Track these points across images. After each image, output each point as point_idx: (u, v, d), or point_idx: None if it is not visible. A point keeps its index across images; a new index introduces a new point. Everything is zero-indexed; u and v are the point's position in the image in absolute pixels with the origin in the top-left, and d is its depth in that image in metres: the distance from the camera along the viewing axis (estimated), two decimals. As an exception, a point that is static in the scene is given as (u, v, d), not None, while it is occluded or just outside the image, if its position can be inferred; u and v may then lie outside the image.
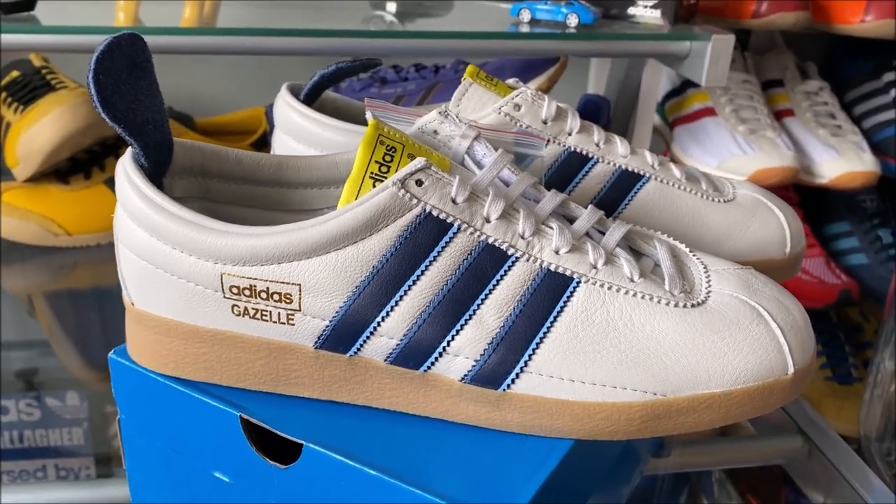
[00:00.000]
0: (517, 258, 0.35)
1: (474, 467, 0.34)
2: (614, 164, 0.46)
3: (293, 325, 0.35)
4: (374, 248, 0.34)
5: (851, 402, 0.84)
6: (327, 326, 0.35)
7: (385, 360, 0.35)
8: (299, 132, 0.47)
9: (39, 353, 0.73)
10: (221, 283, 0.35)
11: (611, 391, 0.34)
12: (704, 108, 0.91)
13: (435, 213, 0.34)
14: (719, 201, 0.47)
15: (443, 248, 0.34)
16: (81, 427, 0.59)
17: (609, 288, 0.35)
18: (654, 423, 0.35)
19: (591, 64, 0.94)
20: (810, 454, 0.56)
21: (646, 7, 0.74)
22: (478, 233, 0.34)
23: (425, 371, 0.35)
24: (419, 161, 0.34)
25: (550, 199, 0.38)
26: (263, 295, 0.35)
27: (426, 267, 0.34)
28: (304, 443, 0.35)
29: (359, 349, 0.35)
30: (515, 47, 0.66)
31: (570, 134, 0.46)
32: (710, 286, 0.37)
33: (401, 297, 0.34)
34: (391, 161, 0.35)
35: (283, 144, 0.48)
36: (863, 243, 0.99)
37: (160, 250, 0.35)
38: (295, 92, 0.48)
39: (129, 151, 0.36)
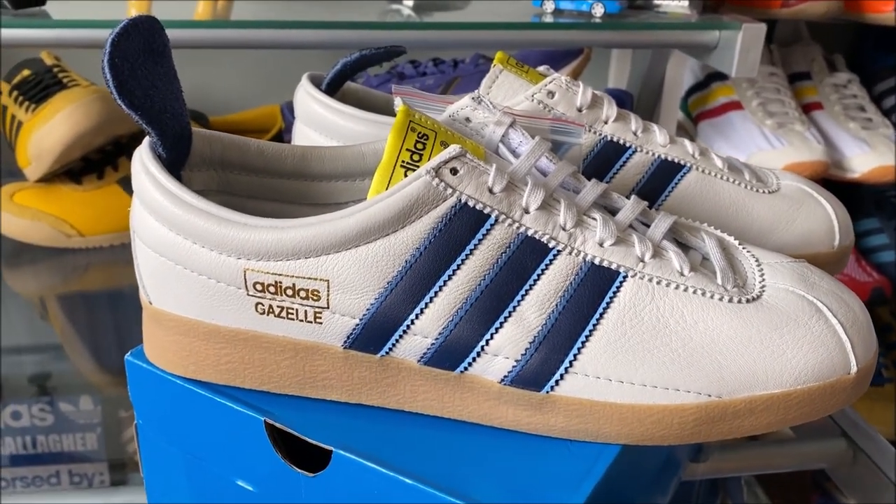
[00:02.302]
0: (559, 251, 0.33)
1: (515, 475, 0.32)
2: (653, 154, 0.44)
3: (321, 323, 0.33)
4: (407, 241, 0.32)
5: (883, 403, 0.82)
6: (357, 325, 0.33)
7: (419, 361, 0.33)
8: (321, 123, 0.45)
9: (52, 356, 0.71)
10: (244, 279, 0.33)
11: (662, 393, 0.32)
12: (730, 101, 0.89)
13: (471, 203, 0.32)
14: (763, 192, 0.44)
15: (480, 240, 0.32)
16: (95, 432, 0.58)
17: (658, 282, 0.33)
18: (709, 427, 0.32)
19: (611, 57, 0.91)
20: (855, 458, 0.54)
21: (672, -3, 0.72)
22: (517, 224, 0.32)
23: (462, 372, 0.33)
24: (454, 148, 0.32)
25: (591, 189, 0.35)
26: (289, 292, 0.33)
27: (462, 261, 0.32)
28: (333, 449, 0.32)
29: (391, 349, 0.33)
30: (539, 38, 0.64)
31: (606, 122, 0.43)
32: (763, 280, 0.34)
33: (435, 293, 0.32)
34: (423, 149, 0.33)
35: (305, 137, 0.46)
36: (892, 240, 0.97)
37: (179, 245, 0.33)
38: (316, 82, 0.46)
39: (146, 141, 0.34)
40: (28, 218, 0.77)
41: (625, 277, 0.33)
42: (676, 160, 0.44)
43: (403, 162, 0.33)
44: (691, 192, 0.43)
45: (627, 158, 0.43)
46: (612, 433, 0.32)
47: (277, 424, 0.34)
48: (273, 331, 0.34)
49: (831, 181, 0.90)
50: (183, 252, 0.33)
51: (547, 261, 0.32)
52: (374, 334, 0.33)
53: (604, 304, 0.32)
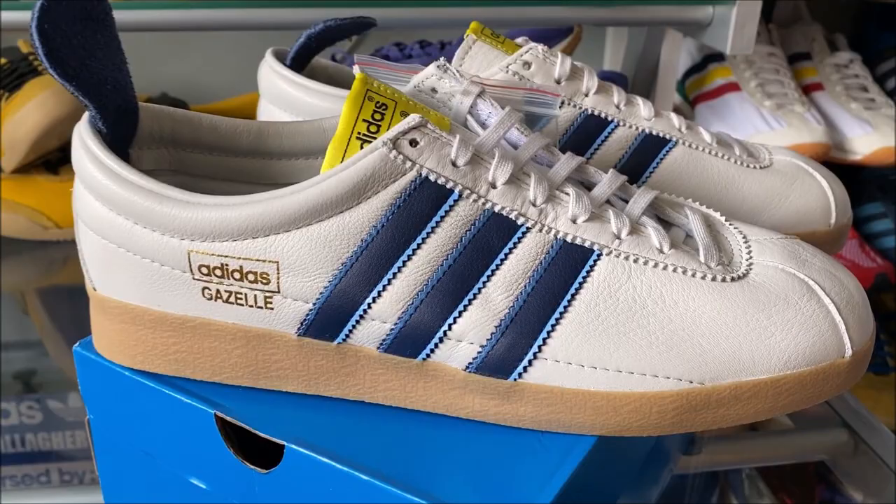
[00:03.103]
0: (528, 228, 0.30)
1: (483, 469, 0.29)
2: (637, 128, 0.41)
3: (272, 309, 0.31)
4: (363, 219, 0.29)
5: (888, 393, 0.80)
6: (311, 310, 0.30)
7: (378, 348, 0.31)
8: (286, 100, 0.43)
9: (39, 353, 0.68)
10: (189, 262, 0.30)
11: (639, 379, 0.29)
12: (727, 83, 0.86)
13: (432, 177, 0.29)
14: (755, 167, 0.42)
15: (442, 217, 0.30)
16: (84, 430, 0.56)
17: (635, 261, 0.30)
18: (691, 416, 0.30)
19: (606, 37, 0.88)
20: (856, 449, 0.51)
21: (663, -27, 0.69)
22: (482, 199, 0.30)
23: (424, 359, 0.30)
24: (413, 118, 0.30)
25: (566, 162, 0.33)
26: (237, 275, 0.30)
27: (423, 239, 0.29)
28: (286, 444, 0.30)
29: (348, 336, 0.31)
30: (527, 16, 0.62)
31: (586, 95, 0.41)
32: (751, 258, 0.32)
33: (394, 274, 0.29)
34: (381, 120, 0.31)
35: (270, 115, 0.44)
36: (897, 225, 0.95)
37: (120, 226, 0.31)
38: (281, 57, 0.43)
39: (85, 116, 0.32)
40: (4, 210, 0.75)
41: (599, 255, 0.30)
42: (661, 134, 0.41)
43: (359, 133, 0.30)
44: (677, 168, 0.41)
45: (609, 133, 0.41)
46: (587, 423, 0.30)
47: (229, 418, 0.31)
48: (222, 317, 0.31)
49: (833, 164, 0.87)
50: (124, 233, 0.31)
51: (515, 239, 0.30)
52: (330, 320, 0.30)
53: (576, 285, 0.30)
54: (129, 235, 0.31)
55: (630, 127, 0.41)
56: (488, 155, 0.31)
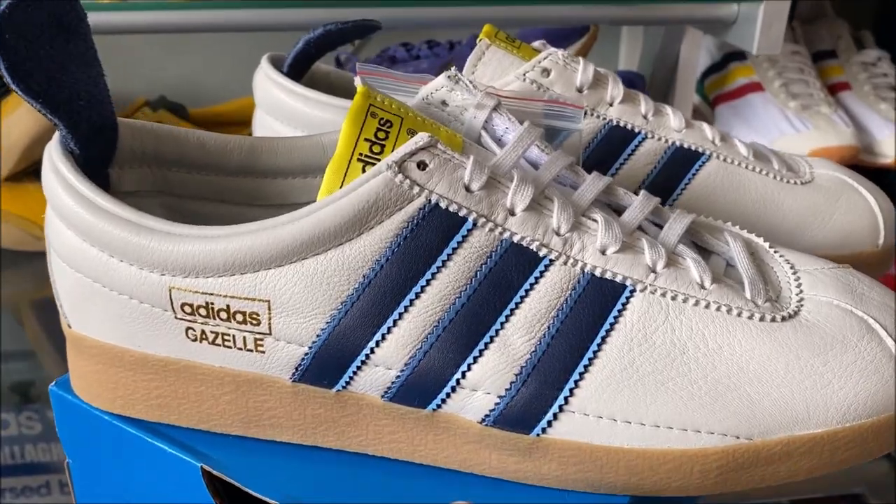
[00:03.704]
0: (552, 261, 0.27)
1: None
2: (666, 140, 0.37)
3: (263, 352, 0.27)
4: (365, 252, 0.26)
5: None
6: (306, 354, 0.27)
7: (383, 397, 0.27)
8: (283, 111, 0.39)
9: (37, 363, 0.66)
10: (171, 299, 0.27)
11: (680, 435, 0.26)
12: (750, 83, 0.82)
13: (443, 204, 0.26)
14: (795, 183, 0.38)
15: (454, 249, 0.26)
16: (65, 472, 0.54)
17: (673, 298, 0.27)
18: (737, 475, 0.26)
19: (622, 36, 0.85)
20: None
21: (686, -31, 0.65)
22: (499, 228, 0.26)
23: (435, 410, 0.27)
24: (421, 137, 0.26)
25: (592, 183, 0.29)
26: (223, 315, 0.27)
27: (433, 275, 0.26)
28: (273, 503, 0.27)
29: (348, 383, 0.27)
30: (540, 15, 0.58)
31: (611, 104, 0.37)
32: (801, 292, 0.28)
33: (400, 314, 0.26)
34: (385, 139, 0.27)
35: (266, 127, 0.41)
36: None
37: (95, 258, 0.28)
38: (278, 64, 0.40)
39: (55, 135, 0.29)
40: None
41: (632, 292, 0.27)
42: (693, 147, 0.38)
43: (361, 155, 0.27)
44: (711, 185, 0.37)
45: (637, 146, 0.37)
46: (619, 483, 0.27)
47: (216, 473, 0.28)
48: (209, 360, 0.28)
49: (861, 167, 0.84)
50: (99, 267, 0.28)
51: (537, 273, 0.27)
52: (328, 365, 0.27)
53: (606, 326, 0.26)
54: (105, 269, 0.27)
55: (659, 139, 0.37)
56: (505, 177, 0.27)
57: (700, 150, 0.38)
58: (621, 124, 0.37)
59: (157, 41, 0.76)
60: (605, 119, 0.37)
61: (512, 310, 0.26)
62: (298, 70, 0.40)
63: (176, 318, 0.27)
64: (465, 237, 0.26)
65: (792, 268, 0.30)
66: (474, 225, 0.26)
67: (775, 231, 0.37)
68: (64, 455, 0.34)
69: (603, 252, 0.27)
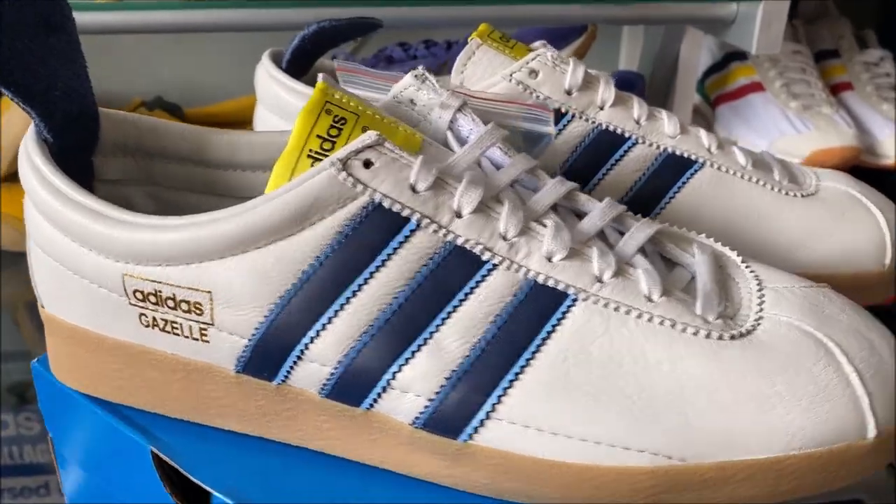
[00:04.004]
0: (495, 265, 0.26)
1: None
2: (658, 146, 0.36)
3: (208, 342, 0.28)
4: (305, 248, 0.26)
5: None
6: (246, 346, 0.27)
7: (320, 393, 0.27)
8: (283, 107, 0.40)
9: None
10: (124, 286, 0.28)
11: (608, 451, 0.25)
12: (751, 83, 0.81)
13: (387, 203, 0.26)
14: (796, 195, 0.36)
15: (395, 249, 0.26)
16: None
17: (616, 309, 0.26)
18: (672, 497, 0.25)
19: (622, 36, 0.84)
20: None
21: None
22: (443, 230, 0.26)
23: (368, 409, 0.27)
24: (369, 135, 0.26)
25: (552, 189, 0.29)
26: (170, 303, 0.28)
27: (371, 274, 0.26)
28: (213, 492, 0.27)
29: (287, 377, 0.27)
30: (538, 14, 0.58)
31: (601, 108, 0.36)
32: (761, 310, 0.27)
33: (336, 312, 0.26)
34: (338, 136, 0.27)
35: (266, 123, 0.41)
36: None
37: (62, 244, 0.29)
38: (278, 60, 0.41)
39: (32, 125, 0.30)
40: None
41: (574, 301, 0.26)
42: (686, 154, 0.36)
43: (311, 151, 0.27)
44: (702, 194, 0.36)
45: (626, 151, 0.36)
46: (546, 496, 0.26)
47: (163, 457, 0.29)
48: (161, 347, 0.29)
49: (863, 168, 0.81)
50: (66, 252, 0.29)
51: (479, 277, 0.26)
52: (267, 358, 0.27)
53: (543, 335, 0.26)
54: (70, 254, 0.29)
55: (650, 145, 0.36)
56: (456, 179, 0.27)
57: (693, 157, 0.36)
58: (611, 128, 0.36)
59: (153, 42, 0.76)
60: (594, 123, 0.36)
61: (449, 313, 0.26)
62: (298, 66, 0.41)
63: (130, 303, 0.28)
64: (407, 237, 0.26)
65: (759, 284, 0.28)
66: (418, 226, 0.26)
67: (769, 245, 0.35)
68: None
69: (549, 259, 0.27)
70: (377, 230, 0.26)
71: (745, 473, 0.25)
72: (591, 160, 0.36)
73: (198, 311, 0.27)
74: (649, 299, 0.26)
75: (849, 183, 0.38)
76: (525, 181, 0.29)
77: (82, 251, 0.28)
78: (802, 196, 0.36)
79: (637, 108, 0.37)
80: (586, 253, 0.27)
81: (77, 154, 0.31)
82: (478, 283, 0.26)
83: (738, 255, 0.30)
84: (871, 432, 0.25)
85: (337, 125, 0.27)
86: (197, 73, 0.87)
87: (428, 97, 0.30)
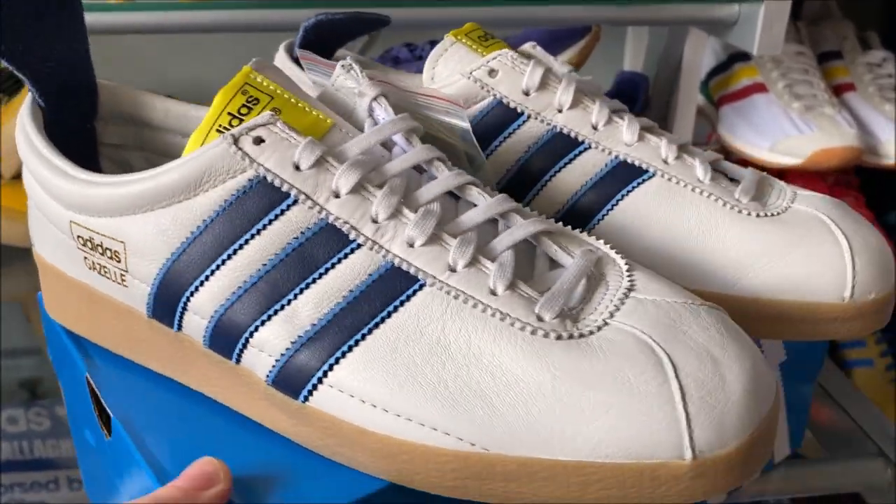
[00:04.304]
0: (359, 245, 0.28)
1: (277, 489, 0.28)
2: (610, 153, 0.36)
3: (126, 286, 0.32)
4: (196, 212, 0.29)
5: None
6: (149, 294, 0.31)
7: (203, 343, 0.31)
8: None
9: (46, 360, 0.65)
10: (71, 231, 0.33)
11: (417, 428, 0.26)
12: (754, 83, 0.80)
13: (269, 178, 0.29)
14: (754, 214, 0.34)
15: (271, 221, 0.29)
16: None
17: (457, 297, 0.27)
18: (477, 484, 0.26)
19: (627, 36, 0.81)
20: (894, 480, 0.43)
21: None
22: (318, 208, 0.28)
23: (237, 363, 0.30)
24: (264, 115, 0.29)
25: (444, 180, 0.30)
26: (100, 250, 0.32)
27: (246, 241, 0.29)
28: (112, 416, 0.31)
29: (180, 326, 0.31)
30: (541, 16, 0.58)
31: (559, 111, 0.36)
32: (611, 317, 0.27)
33: (212, 271, 0.29)
34: (247, 114, 0.30)
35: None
36: (932, 233, 0.83)
37: (37, 192, 0.34)
38: (292, 51, 0.44)
39: (28, 94, 0.36)
40: (3, 217, 0.72)
41: (422, 286, 0.27)
42: (637, 163, 0.35)
43: (220, 126, 0.30)
44: (647, 204, 0.35)
45: (577, 155, 0.36)
46: (368, 464, 0.27)
47: (91, 380, 0.33)
48: (100, 288, 0.33)
49: (865, 169, 0.80)
50: (40, 199, 0.34)
51: (342, 254, 0.28)
52: (164, 307, 0.31)
53: (384, 313, 0.27)
54: (41, 201, 0.34)
55: (603, 150, 0.36)
56: (342, 161, 0.29)
57: (644, 166, 0.35)
58: (565, 132, 0.36)
59: (161, 41, 0.77)
60: (549, 125, 0.36)
61: (308, 284, 0.28)
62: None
63: (77, 247, 0.33)
64: (283, 211, 0.29)
65: (628, 291, 0.28)
66: (295, 201, 0.29)
67: (710, 264, 0.34)
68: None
69: (410, 245, 0.28)
70: (258, 202, 0.29)
71: (547, 472, 0.25)
72: (542, 162, 0.36)
73: (117, 259, 0.31)
74: (493, 293, 0.27)
75: (825, 208, 0.35)
76: (428, 172, 0.31)
77: (47, 199, 0.33)
78: (760, 216, 0.34)
79: (597, 113, 0.36)
80: (448, 243, 0.28)
81: (77, 121, 0.37)
82: (340, 259, 0.28)
83: (626, 264, 0.29)
84: (688, 454, 0.24)
85: (249, 104, 0.30)
86: (204, 71, 0.90)
87: (349, 85, 0.32)
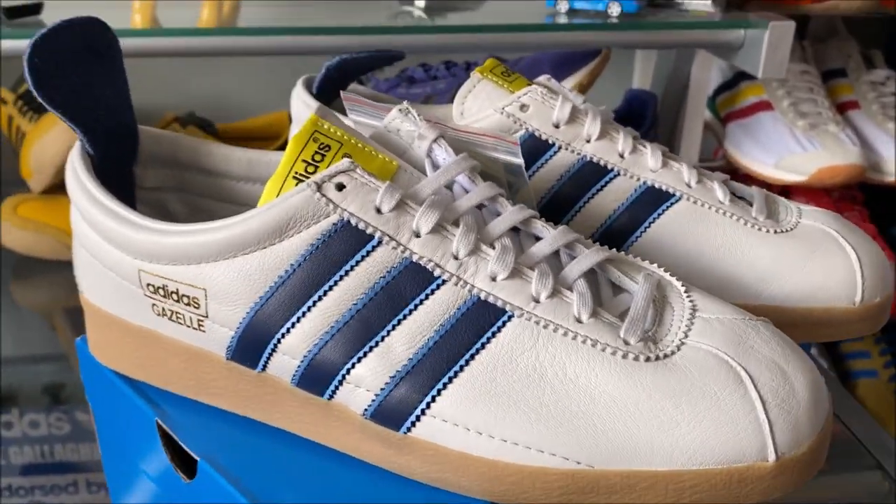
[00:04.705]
0: (444, 281, 0.30)
1: (371, 516, 0.30)
2: (638, 179, 0.39)
3: (204, 331, 0.33)
4: (283, 256, 0.30)
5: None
6: (233, 337, 0.32)
7: (291, 382, 0.32)
8: (311, 127, 0.44)
9: (68, 367, 0.68)
10: (139, 279, 0.33)
11: (524, 452, 0.28)
12: (760, 101, 0.84)
13: (353, 221, 0.30)
14: (772, 231, 0.38)
15: (357, 262, 0.30)
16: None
17: (545, 327, 0.29)
18: (580, 498, 0.28)
19: (636, 56, 0.86)
20: (891, 492, 0.47)
21: (695, -7, 0.67)
22: (401, 248, 0.30)
23: (329, 399, 0.31)
24: (343, 162, 0.31)
25: (510, 215, 0.32)
26: (175, 296, 0.33)
27: (335, 282, 0.30)
28: (198, 459, 0.32)
29: (265, 366, 0.32)
30: (553, 40, 0.62)
31: (588, 141, 0.39)
32: (686, 337, 0.30)
33: (304, 312, 0.30)
34: (321, 161, 0.32)
35: (298, 139, 0.46)
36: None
37: (94, 240, 0.34)
38: (310, 86, 0.45)
39: (77, 142, 0.36)
40: (31, 230, 0.76)
41: (510, 317, 0.29)
42: (665, 188, 0.39)
43: (297, 173, 0.31)
44: (676, 226, 0.38)
45: (607, 182, 0.39)
46: (473, 488, 0.29)
47: (164, 425, 0.34)
48: (168, 333, 0.34)
49: (869, 186, 0.84)
50: (97, 247, 0.34)
51: (428, 291, 0.30)
52: (248, 349, 0.32)
53: (478, 345, 0.29)
54: (99, 249, 0.34)
55: (632, 177, 0.39)
56: (419, 203, 0.31)
57: (671, 191, 0.38)
58: (595, 160, 0.39)
59: (186, 61, 0.80)
60: (579, 154, 0.39)
61: (399, 320, 0.30)
62: (329, 91, 0.45)
63: (144, 294, 0.33)
64: (369, 252, 0.30)
65: (692, 313, 0.31)
66: (379, 242, 0.30)
67: (739, 277, 0.37)
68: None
69: (493, 279, 0.30)
70: (344, 244, 0.30)
71: (647, 483, 0.28)
72: (574, 189, 0.39)
73: (195, 305, 0.32)
74: (578, 320, 0.29)
75: (829, 222, 0.39)
76: (489, 207, 0.33)
77: (109, 248, 0.34)
78: (777, 232, 0.38)
79: (622, 142, 0.39)
80: (528, 275, 0.30)
81: (118, 165, 0.37)
82: (427, 295, 0.30)
83: (682, 286, 0.32)
84: (772, 456, 0.27)
85: (321, 151, 0.32)
86: (227, 90, 0.91)
87: (408, 128, 0.34)
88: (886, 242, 0.87)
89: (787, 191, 0.83)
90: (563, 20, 0.64)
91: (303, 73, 0.46)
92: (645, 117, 0.67)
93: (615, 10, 0.63)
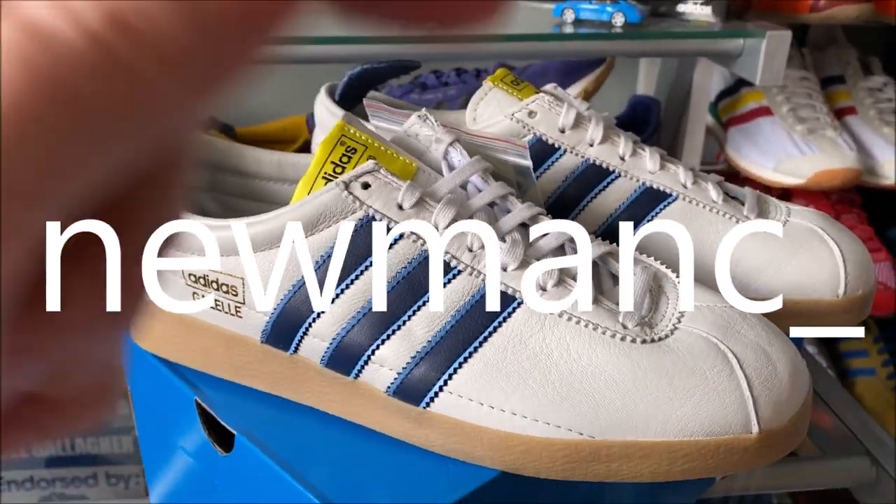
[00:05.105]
0: (460, 271, 0.33)
1: (393, 485, 0.33)
2: (637, 180, 0.42)
3: (241, 317, 0.36)
4: (313, 249, 0.34)
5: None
6: (268, 322, 0.35)
7: (320, 363, 0.35)
8: (333, 131, 0.48)
9: None
10: (182, 270, 0.36)
11: (531, 424, 0.31)
12: (760, 107, 0.86)
13: (378, 217, 0.33)
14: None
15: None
16: (131, 435, 0.60)
17: (551, 312, 0.32)
18: (584, 466, 0.31)
19: (640, 63, 0.89)
20: (878, 477, 0.49)
21: (696, 4, 0.70)
22: (421, 241, 0.33)
23: (355, 378, 0.34)
24: (368, 163, 0.34)
25: (519, 212, 0.35)
26: (215, 285, 0.36)
27: (361, 271, 0.33)
28: (236, 433, 0.35)
29: (297, 349, 0.35)
30: (559, 49, 0.65)
31: (591, 145, 0.42)
32: (679, 322, 0.33)
33: (332, 300, 0.34)
34: (348, 162, 0.35)
35: (321, 143, 0.49)
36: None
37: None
38: (333, 93, 0.49)
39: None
40: None
41: (520, 304, 0.33)
42: (662, 188, 0.42)
43: (326, 174, 0.35)
44: (673, 223, 0.41)
45: (609, 183, 0.42)
46: (486, 457, 0.32)
47: (203, 403, 0.37)
48: (208, 319, 0.37)
49: (867, 189, 0.86)
50: (143, 241, 0.37)
51: (445, 279, 0.33)
52: (282, 333, 0.35)
53: (491, 328, 0.32)
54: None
55: (631, 178, 0.42)
56: (437, 201, 0.34)
57: (668, 191, 0.42)
58: (598, 163, 0.42)
59: None
60: (583, 157, 0.42)
61: (419, 306, 0.33)
62: (349, 99, 0.49)
63: (186, 284, 0.37)
64: (391, 245, 0.33)
65: (686, 301, 0.34)
66: (401, 237, 0.33)
67: (731, 271, 0.40)
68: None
69: (504, 269, 0.33)
70: (369, 237, 0.33)
71: (643, 452, 0.31)
72: (579, 190, 0.42)
73: (234, 293, 0.35)
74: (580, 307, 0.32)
75: (815, 220, 0.42)
76: (500, 205, 0.36)
77: (154, 242, 0.37)
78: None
79: (623, 146, 0.42)
80: (534, 266, 0.33)
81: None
82: (444, 284, 0.33)
83: (676, 277, 0.35)
84: (755, 428, 0.30)
85: (348, 154, 0.35)
86: (246, 96, 0.94)
87: (426, 133, 0.37)
88: (883, 244, 0.89)
89: (788, 193, 0.86)
90: (569, 30, 0.67)
91: (315, 80, 0.49)
92: (649, 122, 0.69)
93: (619, 20, 0.66)
